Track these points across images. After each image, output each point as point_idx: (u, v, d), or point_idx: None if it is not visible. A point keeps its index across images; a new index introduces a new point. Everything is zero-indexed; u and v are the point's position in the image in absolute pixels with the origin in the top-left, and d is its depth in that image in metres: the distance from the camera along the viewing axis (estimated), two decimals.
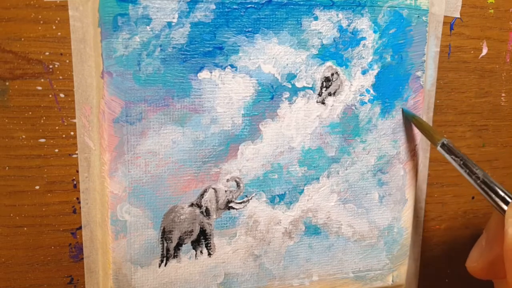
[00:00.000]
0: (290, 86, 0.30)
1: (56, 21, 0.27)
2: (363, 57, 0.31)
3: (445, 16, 0.33)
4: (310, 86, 0.30)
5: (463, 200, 0.38)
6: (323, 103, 0.31)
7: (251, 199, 0.31)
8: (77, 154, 0.29)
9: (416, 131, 0.33)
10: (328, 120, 0.31)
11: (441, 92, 0.35)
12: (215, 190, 0.30)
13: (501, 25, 0.35)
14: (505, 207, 0.24)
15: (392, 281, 0.35)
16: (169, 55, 0.27)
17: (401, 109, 0.32)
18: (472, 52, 0.35)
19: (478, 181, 0.25)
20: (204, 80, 0.28)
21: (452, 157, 0.27)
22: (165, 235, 0.29)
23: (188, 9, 0.27)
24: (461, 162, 0.27)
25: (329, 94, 0.31)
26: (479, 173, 0.25)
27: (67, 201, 0.29)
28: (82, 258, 0.30)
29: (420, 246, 0.36)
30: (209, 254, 0.31)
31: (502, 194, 0.24)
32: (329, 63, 0.30)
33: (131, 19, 0.26)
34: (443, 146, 0.28)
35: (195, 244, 0.30)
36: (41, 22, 0.27)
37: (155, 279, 0.30)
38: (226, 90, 0.29)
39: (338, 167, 0.32)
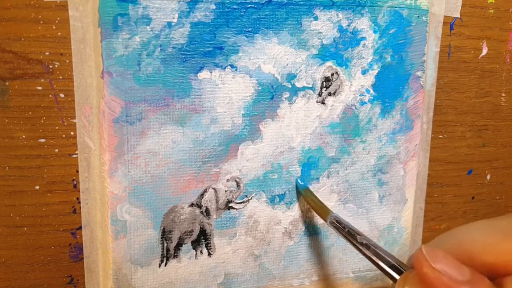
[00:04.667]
0: (290, 86, 0.30)
1: (56, 21, 0.27)
2: (363, 57, 0.31)
3: (445, 16, 0.33)
4: (310, 86, 0.30)
5: (463, 200, 0.38)
6: (323, 103, 0.31)
7: (251, 199, 0.31)
8: (77, 154, 0.29)
9: (416, 131, 0.33)
10: (328, 120, 0.31)
11: (441, 92, 0.35)
12: (215, 190, 0.30)
13: (501, 25, 0.35)
14: (396, 276, 0.22)
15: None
16: (169, 55, 0.27)
17: (296, 181, 0.31)
18: (472, 52, 0.35)
19: (368, 251, 0.24)
20: (204, 80, 0.28)
21: (339, 231, 0.27)
22: (165, 235, 0.29)
23: (188, 9, 0.27)
24: (348, 235, 0.26)
25: (329, 94, 0.31)
26: (369, 243, 0.25)
27: (67, 201, 0.29)
28: (82, 258, 0.30)
29: (420, 246, 0.36)
30: (209, 254, 0.31)
31: (397, 265, 0.23)
32: (329, 63, 0.30)
33: (131, 19, 0.26)
34: (331, 222, 0.28)
35: (195, 244, 0.30)
36: (41, 22, 0.27)
37: (155, 279, 0.30)
38: (226, 90, 0.29)
39: (338, 167, 0.32)
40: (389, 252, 0.24)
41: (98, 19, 0.26)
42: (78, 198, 0.29)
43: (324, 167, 0.32)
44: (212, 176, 0.30)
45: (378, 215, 0.33)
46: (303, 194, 0.31)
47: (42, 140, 0.28)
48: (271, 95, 0.30)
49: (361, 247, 0.25)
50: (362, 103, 0.31)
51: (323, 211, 0.29)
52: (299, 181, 0.31)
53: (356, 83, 0.31)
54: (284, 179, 0.31)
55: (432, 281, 0.18)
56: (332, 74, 0.30)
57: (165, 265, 0.30)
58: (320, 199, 0.30)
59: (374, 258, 0.24)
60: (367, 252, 0.24)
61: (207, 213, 0.30)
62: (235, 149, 0.30)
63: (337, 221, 0.27)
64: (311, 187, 0.32)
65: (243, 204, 0.31)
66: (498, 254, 0.18)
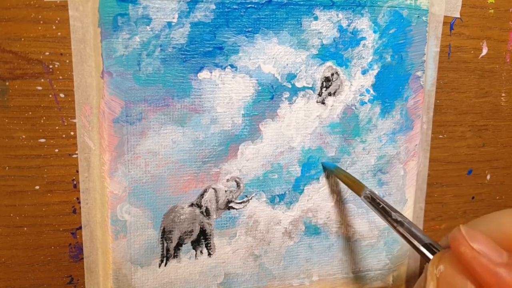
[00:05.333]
0: (290, 86, 0.30)
1: (56, 21, 0.27)
2: (363, 57, 0.31)
3: (445, 16, 0.33)
4: (310, 86, 0.30)
5: (463, 200, 0.38)
6: (323, 103, 0.31)
7: (251, 199, 0.31)
8: (77, 154, 0.29)
9: (416, 131, 0.33)
10: (328, 120, 0.31)
11: (441, 92, 0.35)
12: (215, 190, 0.30)
13: (501, 25, 0.35)
14: (430, 255, 0.22)
15: (392, 281, 0.35)
16: (169, 55, 0.27)
17: (321, 164, 0.31)
18: (472, 52, 0.35)
19: (402, 228, 0.24)
20: (204, 80, 0.28)
21: (374, 206, 0.27)
22: (165, 235, 0.29)
23: (188, 9, 0.27)
24: (381, 210, 0.26)
25: (329, 94, 0.31)
26: (404, 220, 0.24)
27: (67, 201, 0.29)
28: (82, 258, 0.30)
29: None
30: (209, 254, 0.31)
31: (430, 246, 0.22)
32: (329, 63, 0.30)
33: (131, 19, 0.26)
34: (366, 197, 0.27)
35: (195, 244, 0.30)
36: (41, 22, 0.27)
37: (155, 279, 0.30)
38: (226, 90, 0.29)
39: None
40: (422, 231, 0.23)
41: (98, 19, 0.26)
42: (78, 198, 0.29)
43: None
44: (212, 176, 0.30)
45: None
46: (335, 172, 0.31)
47: (42, 140, 0.28)
48: (271, 95, 0.30)
49: (395, 224, 0.24)
50: (362, 103, 0.31)
51: (357, 186, 0.29)
52: (326, 163, 0.31)
53: (356, 83, 0.31)
54: (284, 179, 0.31)
55: (470, 261, 0.18)
56: (332, 74, 0.30)
57: (165, 265, 0.30)
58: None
59: (408, 236, 0.23)
60: (401, 230, 0.24)
61: (207, 213, 0.30)
62: (235, 149, 0.30)
63: (371, 196, 0.27)
64: (310, 187, 0.32)
65: (243, 204, 0.31)
66: None
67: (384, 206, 0.26)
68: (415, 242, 0.23)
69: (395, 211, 0.25)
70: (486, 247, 0.18)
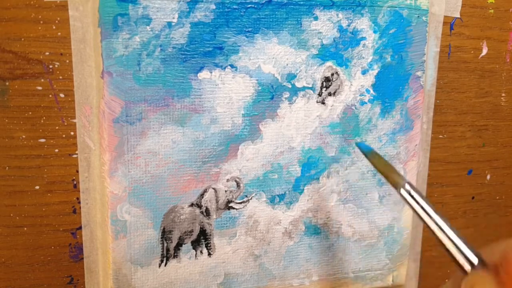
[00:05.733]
0: (290, 86, 0.30)
1: (56, 21, 0.27)
2: (363, 57, 0.31)
3: (445, 16, 0.33)
4: (310, 86, 0.30)
5: (463, 200, 0.38)
6: (323, 103, 0.31)
7: (251, 199, 0.31)
8: (77, 154, 0.29)
9: (416, 131, 0.33)
10: (328, 120, 0.31)
11: (441, 92, 0.35)
12: (215, 190, 0.30)
13: (501, 25, 0.35)
14: (467, 267, 0.20)
15: (392, 281, 0.35)
16: (169, 55, 0.27)
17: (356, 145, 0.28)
18: (472, 52, 0.35)
19: (441, 233, 0.21)
20: (204, 80, 0.28)
21: (415, 202, 0.23)
22: (165, 235, 0.29)
23: (188, 9, 0.27)
24: (424, 208, 0.23)
25: (329, 94, 0.31)
26: (445, 225, 0.22)
27: (67, 201, 0.29)
28: (82, 258, 0.30)
29: (420, 246, 0.36)
30: (209, 254, 0.31)
31: (468, 253, 0.20)
32: (329, 63, 0.30)
33: (131, 19, 0.26)
34: (405, 192, 0.23)
35: (195, 244, 0.30)
36: (41, 22, 0.27)
37: (155, 279, 0.30)
38: (226, 90, 0.29)
39: (338, 167, 0.32)
40: (465, 239, 0.21)
41: (98, 19, 0.26)
42: (78, 198, 0.29)
43: (324, 167, 0.32)
44: (212, 176, 0.30)
45: (378, 215, 0.33)
46: (369, 157, 0.27)
47: (42, 140, 0.28)
48: (271, 95, 0.30)
49: (433, 227, 0.22)
50: (362, 103, 0.31)
51: (395, 177, 0.24)
52: (361, 145, 0.28)
53: (356, 83, 0.31)
54: (284, 179, 0.31)
55: None
56: (332, 74, 0.30)
57: (165, 265, 0.30)
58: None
59: (446, 242, 0.21)
60: (439, 234, 0.21)
61: (207, 213, 0.30)
62: (235, 149, 0.30)
63: (410, 192, 0.23)
64: (310, 187, 0.32)
65: (243, 204, 0.31)
66: None
67: (424, 204, 0.23)
68: (453, 250, 0.21)
69: (437, 212, 0.22)
70: None
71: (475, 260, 0.20)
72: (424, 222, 0.22)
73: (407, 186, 0.23)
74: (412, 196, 0.23)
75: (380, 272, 0.34)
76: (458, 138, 0.36)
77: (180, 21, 0.27)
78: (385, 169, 0.25)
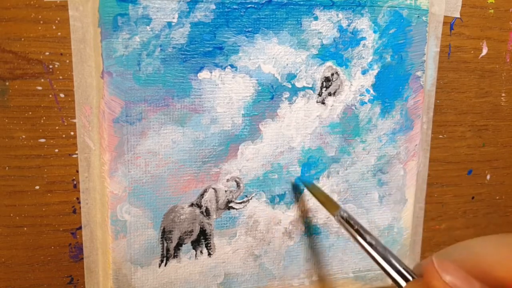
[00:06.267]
0: (290, 86, 0.30)
1: (56, 21, 0.27)
2: (363, 57, 0.31)
3: (445, 16, 0.33)
4: (310, 86, 0.30)
5: (463, 200, 0.38)
6: (323, 103, 0.31)
7: (251, 199, 0.31)
8: (77, 154, 0.29)
9: (416, 131, 0.33)
10: (328, 120, 0.31)
11: (441, 92, 0.35)
12: (215, 190, 0.30)
13: (501, 25, 0.35)
14: (402, 283, 0.21)
15: None
16: (169, 55, 0.27)
17: (295, 179, 0.30)
18: (472, 52, 0.35)
19: (376, 252, 0.23)
20: (204, 80, 0.28)
21: (348, 228, 0.25)
22: (165, 235, 0.29)
23: (188, 9, 0.27)
24: (356, 233, 0.25)
25: (329, 94, 0.31)
26: (378, 245, 0.23)
27: (67, 201, 0.29)
28: (82, 258, 0.30)
29: (420, 246, 0.36)
30: (209, 254, 0.31)
31: (403, 271, 0.22)
32: (329, 63, 0.30)
33: (131, 19, 0.26)
34: (341, 217, 0.26)
35: (195, 244, 0.30)
36: (41, 22, 0.27)
37: (155, 279, 0.30)
38: (226, 90, 0.29)
39: (338, 167, 0.32)
40: (397, 257, 0.23)
41: (98, 19, 0.26)
42: (78, 198, 0.29)
43: (324, 167, 0.32)
44: (212, 176, 0.30)
45: (378, 215, 0.33)
46: (310, 188, 0.30)
47: (42, 140, 0.28)
48: (271, 95, 0.30)
49: (369, 248, 0.24)
50: (362, 103, 0.31)
51: (332, 206, 0.28)
52: (301, 179, 0.31)
53: (356, 83, 0.31)
54: (284, 179, 0.31)
55: None
56: (332, 74, 0.30)
57: (165, 265, 0.30)
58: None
59: (380, 261, 0.23)
60: (373, 253, 0.23)
61: (207, 213, 0.30)
62: (235, 149, 0.30)
63: (347, 217, 0.26)
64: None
65: (243, 204, 0.31)
66: (509, 270, 0.18)
67: (359, 227, 0.25)
68: (387, 267, 0.22)
69: (370, 234, 0.24)
70: (458, 279, 0.18)
71: (408, 276, 0.21)
72: (360, 245, 0.24)
73: (343, 213, 0.26)
74: (348, 222, 0.26)
75: (380, 272, 0.34)
76: (458, 138, 0.36)
77: (180, 21, 0.27)
78: (323, 199, 0.29)
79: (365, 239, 0.24)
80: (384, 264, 0.23)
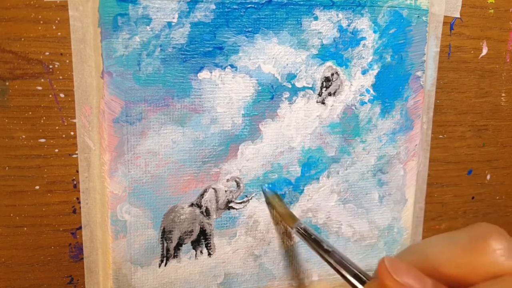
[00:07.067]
0: (290, 86, 0.30)
1: (56, 21, 0.27)
2: (363, 57, 0.31)
3: (445, 16, 0.33)
4: (310, 86, 0.30)
5: (463, 200, 0.38)
6: (323, 103, 0.31)
7: (251, 199, 0.31)
8: (77, 154, 0.29)
9: (416, 131, 0.33)
10: (328, 120, 0.31)
11: (441, 92, 0.35)
12: (215, 190, 0.30)
13: (501, 25, 0.35)
14: (359, 286, 0.23)
15: None
16: (169, 55, 0.27)
17: (262, 189, 0.31)
18: (472, 52, 0.35)
19: (332, 258, 0.24)
20: (204, 80, 0.28)
21: (305, 239, 0.27)
22: (165, 235, 0.29)
23: (188, 9, 0.27)
24: (314, 242, 0.26)
25: (329, 94, 0.31)
26: (334, 250, 0.25)
27: (67, 201, 0.29)
28: (82, 258, 0.30)
29: None
30: (209, 254, 0.31)
31: (360, 275, 0.23)
32: (329, 63, 0.30)
33: (131, 19, 0.26)
34: (298, 229, 0.28)
35: (195, 244, 0.30)
36: (41, 22, 0.27)
37: (155, 279, 0.30)
38: (226, 90, 0.29)
39: (338, 167, 0.32)
40: (353, 262, 0.24)
41: (98, 19, 0.26)
42: (78, 198, 0.29)
43: (324, 167, 0.32)
44: (212, 176, 0.30)
45: (378, 215, 0.33)
46: (270, 199, 0.31)
47: (42, 140, 0.28)
48: (271, 95, 0.30)
49: (326, 255, 0.25)
50: (362, 103, 0.31)
51: (290, 219, 0.29)
52: (266, 188, 0.31)
53: (356, 83, 0.31)
54: (284, 179, 0.31)
55: None
56: (332, 74, 0.30)
57: (165, 265, 0.30)
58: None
59: (338, 266, 0.24)
60: (331, 260, 0.24)
61: (207, 213, 0.30)
62: (235, 149, 0.30)
63: (303, 228, 0.27)
64: (310, 187, 0.32)
65: (243, 204, 0.31)
66: (458, 267, 0.18)
67: (316, 237, 0.26)
68: (344, 272, 0.23)
69: (327, 242, 0.26)
70: (411, 278, 0.18)
71: (365, 279, 0.23)
72: (318, 254, 0.26)
73: (300, 224, 0.28)
74: (305, 232, 0.27)
75: None
76: (458, 138, 0.36)
77: (180, 21, 0.27)
78: (283, 211, 0.30)
79: (322, 247, 0.25)
80: (340, 269, 0.24)
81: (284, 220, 0.30)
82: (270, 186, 0.31)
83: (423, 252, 0.20)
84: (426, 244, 0.20)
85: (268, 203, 0.31)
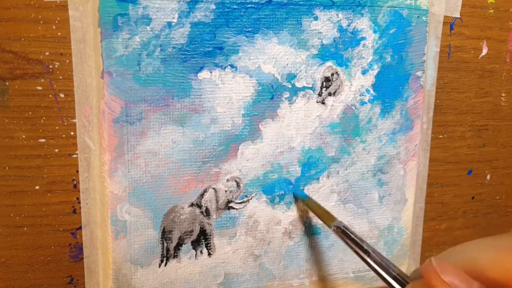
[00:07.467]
0: (290, 86, 0.30)
1: (56, 21, 0.27)
2: (363, 57, 0.31)
3: (445, 16, 0.33)
4: (310, 86, 0.30)
5: (463, 200, 0.38)
6: (323, 103, 0.31)
7: (251, 199, 0.31)
8: (77, 154, 0.29)
9: (416, 131, 0.33)
10: (328, 120, 0.31)
11: (441, 92, 0.35)
12: (215, 190, 0.30)
13: (501, 25, 0.35)
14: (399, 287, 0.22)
15: None
16: (169, 55, 0.27)
17: (293, 193, 0.31)
18: (472, 52, 0.35)
19: (372, 259, 0.24)
20: (204, 80, 0.28)
21: (344, 238, 0.27)
22: (165, 235, 0.29)
23: (188, 9, 0.27)
24: (352, 242, 0.26)
25: (329, 94, 0.31)
26: (375, 255, 0.24)
27: (67, 201, 0.29)
28: (82, 258, 0.30)
29: (420, 246, 0.36)
30: (209, 254, 0.31)
31: (398, 277, 0.23)
32: (329, 63, 0.30)
33: (131, 19, 0.26)
34: (336, 229, 0.27)
35: (195, 244, 0.30)
36: (41, 22, 0.27)
37: (155, 279, 0.30)
38: (226, 90, 0.29)
39: (338, 167, 0.32)
40: (392, 263, 0.23)
41: (98, 19, 0.26)
42: (78, 198, 0.29)
43: (324, 167, 0.32)
44: (212, 176, 0.30)
45: (378, 215, 0.33)
46: (306, 203, 0.31)
47: (42, 140, 0.28)
48: (271, 95, 0.30)
49: (364, 255, 0.25)
50: (362, 103, 0.31)
51: (329, 218, 0.29)
52: (297, 192, 0.31)
53: (356, 83, 0.31)
54: (284, 179, 0.31)
55: None
56: (332, 74, 0.30)
57: (165, 265, 0.30)
58: (322, 204, 0.31)
59: (377, 267, 0.24)
60: (370, 261, 0.24)
61: (207, 213, 0.30)
62: (235, 149, 0.30)
63: (343, 227, 0.27)
64: (310, 187, 0.32)
65: (243, 204, 0.31)
66: (504, 271, 0.18)
67: (355, 236, 0.26)
68: (384, 274, 0.23)
69: (366, 242, 0.25)
70: (457, 279, 0.18)
71: (404, 281, 0.22)
72: (357, 254, 0.25)
73: (339, 223, 0.27)
74: (344, 232, 0.27)
75: None
76: (458, 138, 0.36)
77: (180, 21, 0.27)
78: (320, 211, 0.30)
79: (361, 248, 0.25)
80: (381, 271, 0.23)
81: (322, 219, 0.30)
82: (297, 192, 0.31)
83: (466, 256, 0.20)
84: (468, 248, 0.20)
85: (305, 205, 0.31)
